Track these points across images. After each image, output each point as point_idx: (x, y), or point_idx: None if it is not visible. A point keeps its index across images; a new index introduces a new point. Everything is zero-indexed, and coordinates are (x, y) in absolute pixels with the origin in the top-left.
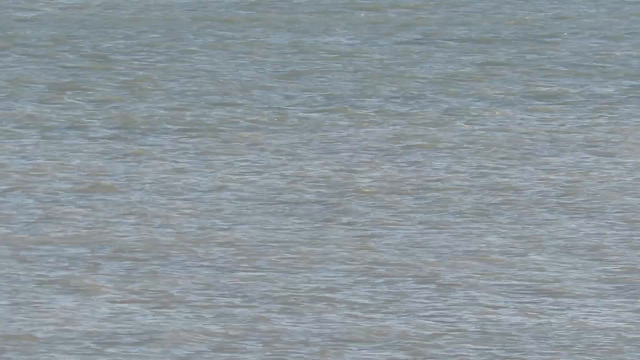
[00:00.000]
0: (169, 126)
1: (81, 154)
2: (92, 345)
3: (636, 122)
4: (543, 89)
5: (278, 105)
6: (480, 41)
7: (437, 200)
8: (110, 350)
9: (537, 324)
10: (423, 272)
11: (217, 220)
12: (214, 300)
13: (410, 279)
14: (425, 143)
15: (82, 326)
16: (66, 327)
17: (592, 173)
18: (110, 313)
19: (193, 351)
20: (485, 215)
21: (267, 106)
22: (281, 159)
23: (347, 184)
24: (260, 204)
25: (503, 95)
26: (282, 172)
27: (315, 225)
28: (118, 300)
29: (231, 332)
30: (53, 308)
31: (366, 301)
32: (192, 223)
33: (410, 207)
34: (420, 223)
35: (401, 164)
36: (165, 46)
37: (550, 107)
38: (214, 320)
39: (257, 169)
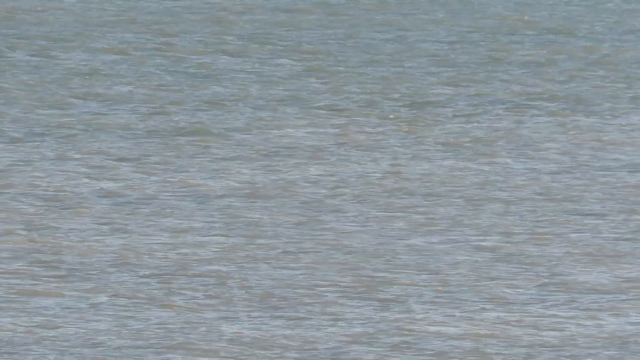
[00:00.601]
0: (128, 131)
1: (39, 157)
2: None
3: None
4: (505, 91)
5: (240, 105)
6: (446, 42)
7: (381, 201)
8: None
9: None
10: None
11: (175, 221)
12: (178, 302)
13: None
14: (378, 144)
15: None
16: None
17: (519, 174)
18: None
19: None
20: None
21: (229, 106)
22: (244, 159)
23: (308, 184)
24: (216, 205)
25: (463, 96)
26: (242, 172)
27: (279, 225)
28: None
29: (196, 334)
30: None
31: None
32: (157, 224)
33: (367, 209)
34: (370, 224)
35: (364, 165)
36: (123, 49)
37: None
38: (181, 323)
39: (216, 171)
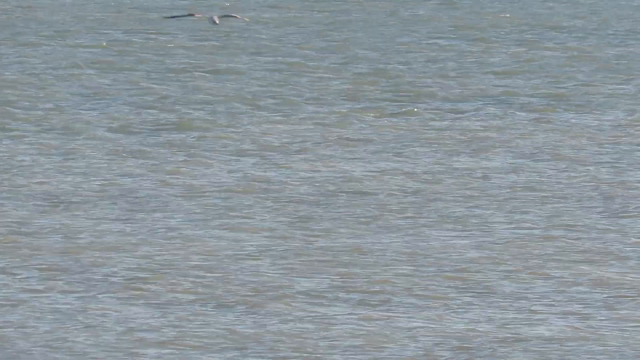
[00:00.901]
0: (111, 126)
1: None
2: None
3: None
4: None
5: (223, 101)
6: (422, 41)
7: (363, 198)
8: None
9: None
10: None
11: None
12: (168, 298)
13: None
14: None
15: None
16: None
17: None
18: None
19: (137, 350)
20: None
21: (212, 102)
22: (228, 155)
23: (291, 181)
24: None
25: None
26: (226, 168)
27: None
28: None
29: (186, 329)
30: None
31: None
32: (144, 220)
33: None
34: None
35: (347, 161)
36: (107, 44)
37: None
38: (171, 318)
39: (200, 167)
